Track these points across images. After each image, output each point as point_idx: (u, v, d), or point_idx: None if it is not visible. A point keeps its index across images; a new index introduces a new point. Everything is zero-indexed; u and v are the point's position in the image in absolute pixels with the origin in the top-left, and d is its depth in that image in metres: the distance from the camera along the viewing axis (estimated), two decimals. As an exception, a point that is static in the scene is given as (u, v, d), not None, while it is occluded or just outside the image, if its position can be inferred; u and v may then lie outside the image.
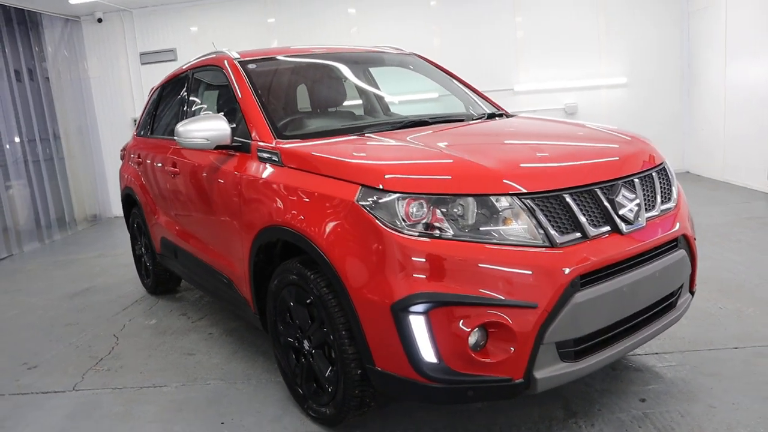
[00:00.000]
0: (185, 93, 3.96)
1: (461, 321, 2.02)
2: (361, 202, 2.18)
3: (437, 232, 2.08)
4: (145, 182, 4.43)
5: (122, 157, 5.15)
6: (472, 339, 2.03)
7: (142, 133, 4.78)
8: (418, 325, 2.04)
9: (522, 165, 2.27)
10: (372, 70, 4.05)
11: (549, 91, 8.56)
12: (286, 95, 3.41)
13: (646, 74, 8.39)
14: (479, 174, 2.18)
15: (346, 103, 3.71)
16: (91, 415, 2.93)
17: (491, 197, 2.11)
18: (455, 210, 2.10)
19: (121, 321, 4.28)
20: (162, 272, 4.55)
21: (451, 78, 3.96)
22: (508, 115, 3.58)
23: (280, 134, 2.88)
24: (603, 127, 2.98)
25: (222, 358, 3.46)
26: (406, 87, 4.30)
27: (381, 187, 2.15)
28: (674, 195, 2.61)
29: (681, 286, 2.61)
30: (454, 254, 2.05)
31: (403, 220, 2.09)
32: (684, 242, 2.55)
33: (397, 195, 2.12)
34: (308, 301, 2.50)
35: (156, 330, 4.03)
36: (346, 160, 2.40)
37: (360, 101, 3.88)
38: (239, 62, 3.33)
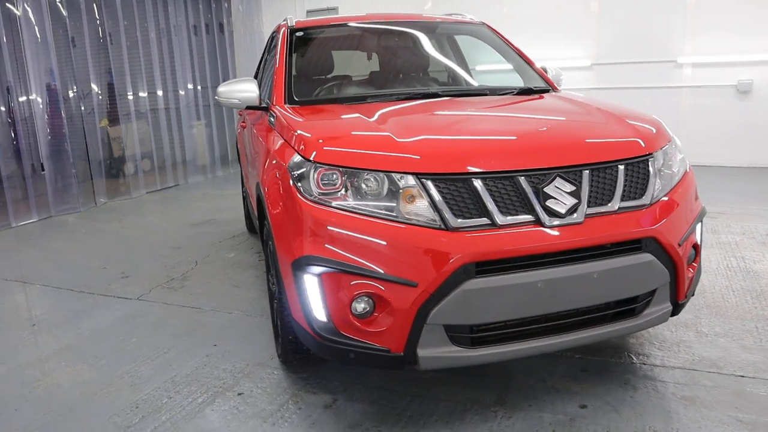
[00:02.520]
0: (267, 57, 4.37)
1: (346, 288, 2.14)
2: (290, 169, 2.36)
3: (339, 202, 2.19)
4: (240, 136, 5.02)
5: None
6: (356, 306, 2.14)
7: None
8: (311, 285, 2.20)
9: (434, 146, 2.25)
10: (438, 38, 4.05)
11: (720, 65, 7.46)
12: (318, 62, 3.61)
13: None
14: (389, 151, 2.22)
15: (379, 71, 3.79)
16: (135, 320, 3.58)
17: (395, 174, 2.15)
18: (362, 184, 2.19)
19: (210, 250, 4.97)
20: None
21: (512, 50, 3.78)
22: (547, 91, 3.37)
23: (290, 99, 3.13)
24: (612, 110, 2.72)
25: (257, 293, 3.91)
26: (472, 56, 4.22)
27: (304, 156, 2.31)
28: (652, 192, 2.33)
29: (652, 293, 2.36)
30: (347, 225, 2.15)
31: (315, 188, 2.23)
32: (655, 246, 2.28)
33: (314, 165, 2.26)
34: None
35: (229, 262, 4.63)
36: (292, 129, 2.57)
37: (393, 71, 3.91)
38: (290, 30, 3.61)
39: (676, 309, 2.48)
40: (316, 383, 2.72)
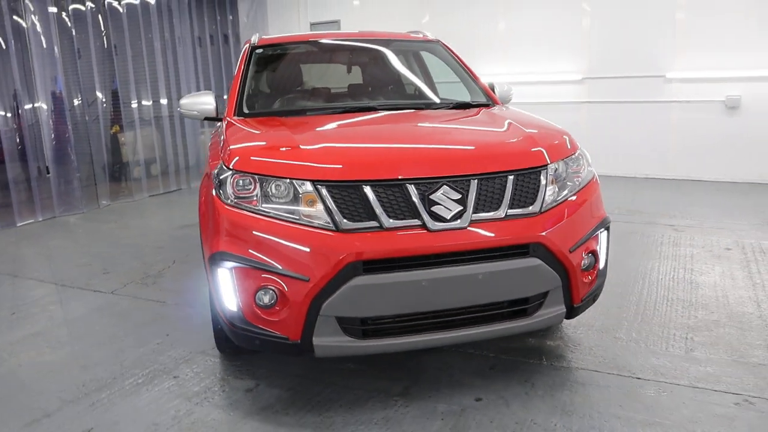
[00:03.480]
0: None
1: (252, 281, 2.39)
2: (214, 176, 2.63)
3: (252, 206, 2.44)
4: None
5: None
6: (259, 297, 2.39)
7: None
8: (224, 278, 2.46)
9: (331, 156, 2.50)
10: (396, 55, 4.28)
11: (708, 80, 7.54)
12: (270, 77, 3.89)
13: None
14: (294, 161, 2.48)
15: (327, 86, 4.04)
16: (104, 311, 3.88)
17: (296, 181, 2.40)
18: (269, 189, 2.44)
19: (190, 250, 5.26)
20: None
21: (462, 67, 4.00)
22: (487, 106, 3.58)
23: (239, 112, 3.40)
24: (524, 124, 2.94)
25: (220, 291, 4.17)
26: (436, 71, 4.44)
27: (225, 164, 2.58)
28: (542, 201, 2.53)
29: (544, 296, 2.55)
30: (254, 226, 2.41)
31: (232, 193, 2.49)
32: (543, 251, 2.47)
33: (231, 172, 2.52)
34: None
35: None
36: (226, 139, 2.84)
37: (343, 86, 4.14)
38: (252, 47, 3.89)
39: (572, 312, 2.67)
40: (245, 370, 2.96)
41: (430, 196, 2.37)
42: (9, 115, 6.48)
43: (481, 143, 2.71)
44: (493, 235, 2.41)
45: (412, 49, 4.21)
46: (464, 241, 2.36)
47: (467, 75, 3.95)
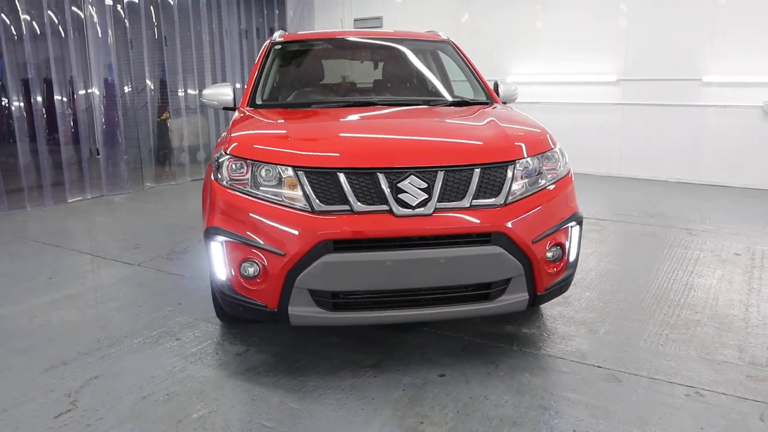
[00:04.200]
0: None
1: (238, 254, 2.68)
2: (215, 159, 2.93)
3: (243, 187, 2.73)
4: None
5: None
6: (244, 268, 2.67)
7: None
8: (216, 250, 2.76)
9: (311, 145, 2.77)
10: (408, 53, 4.49)
11: (746, 85, 7.39)
12: (284, 72, 4.16)
13: None
14: (280, 148, 2.75)
15: (336, 81, 4.29)
16: (129, 281, 4.27)
17: (280, 167, 2.67)
18: (259, 173, 2.72)
19: (217, 231, 5.64)
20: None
21: (468, 66, 4.17)
22: (487, 104, 3.76)
23: (252, 103, 3.70)
24: (505, 122, 3.12)
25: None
26: (452, 69, 4.62)
27: (224, 150, 2.87)
28: (506, 193, 2.70)
29: (507, 282, 2.73)
30: (243, 205, 2.69)
31: (227, 175, 2.78)
32: (505, 240, 2.65)
33: (228, 156, 2.81)
34: None
35: (228, 242, 5.27)
36: (230, 127, 3.14)
37: (352, 81, 4.38)
38: (272, 43, 4.20)
39: (536, 300, 2.84)
40: (239, 337, 3.27)
41: (398, 185, 2.59)
42: (65, 99, 7.04)
43: (452, 138, 2.91)
44: (456, 223, 2.61)
45: (422, 48, 4.40)
46: (427, 227, 2.58)
47: (472, 74, 4.12)
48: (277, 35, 4.31)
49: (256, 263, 2.65)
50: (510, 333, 3.30)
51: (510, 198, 2.72)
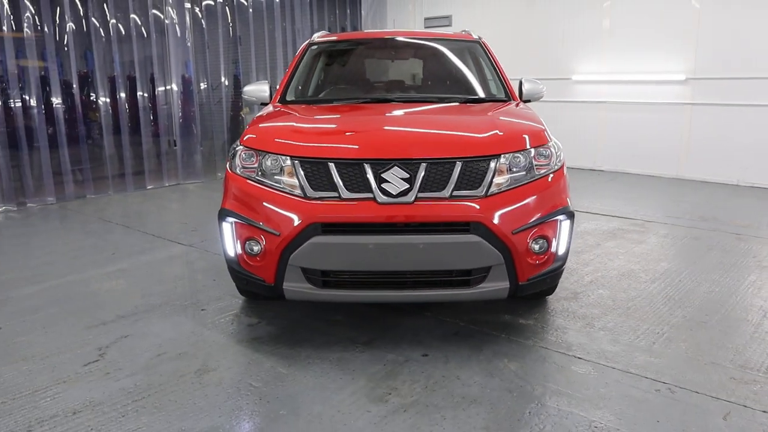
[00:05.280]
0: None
1: (243, 233, 3.01)
2: (233, 148, 3.28)
3: (252, 174, 3.06)
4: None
5: None
6: (249, 246, 3.00)
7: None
8: (227, 229, 3.10)
9: (307, 137, 3.07)
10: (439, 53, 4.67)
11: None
12: (317, 70, 4.45)
13: None
14: (283, 139, 3.04)
15: (366, 79, 4.51)
16: (177, 259, 4.76)
17: (281, 157, 2.97)
18: (265, 162, 3.03)
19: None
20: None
21: (493, 64, 4.30)
22: (504, 101, 3.89)
23: (282, 99, 4.04)
24: (501, 118, 3.26)
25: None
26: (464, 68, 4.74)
27: (239, 141, 3.21)
28: (487, 185, 2.85)
29: (487, 270, 2.89)
30: (249, 190, 3.02)
31: (239, 163, 3.12)
32: (483, 230, 2.81)
33: (241, 147, 3.15)
34: None
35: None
36: (251, 122, 3.48)
37: (377, 79, 4.58)
38: (309, 43, 4.52)
39: (519, 289, 2.96)
40: (256, 310, 3.62)
41: (382, 175, 2.81)
42: (146, 95, 7.77)
43: (438, 133, 3.09)
44: (435, 211, 2.80)
45: (452, 48, 4.55)
46: (407, 214, 2.78)
47: (495, 72, 4.25)
48: (316, 36, 4.63)
49: (257, 242, 2.97)
50: (506, 322, 3.43)
51: (492, 190, 2.86)
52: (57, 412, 2.57)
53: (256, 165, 3.07)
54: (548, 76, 9.12)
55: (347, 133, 3.18)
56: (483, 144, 2.94)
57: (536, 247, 2.96)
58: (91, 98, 7.51)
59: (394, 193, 2.80)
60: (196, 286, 4.10)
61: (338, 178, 2.84)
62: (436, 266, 2.86)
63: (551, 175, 3.06)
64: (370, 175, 2.83)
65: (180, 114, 8.10)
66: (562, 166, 3.16)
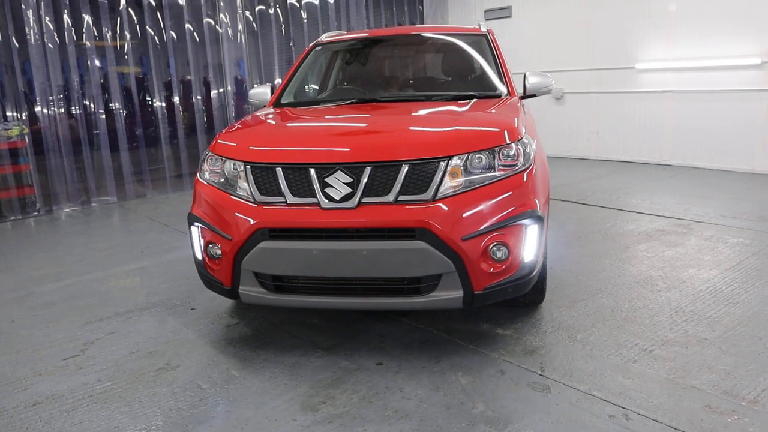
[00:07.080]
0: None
1: (206, 237, 3.09)
2: (204, 153, 3.37)
3: (214, 178, 3.13)
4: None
5: None
6: (209, 250, 3.08)
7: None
8: (195, 234, 3.19)
9: (257, 142, 3.08)
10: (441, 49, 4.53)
11: None
12: (314, 72, 4.45)
13: None
14: (242, 145, 3.08)
15: (361, 79, 4.42)
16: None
17: (236, 162, 3.01)
18: (227, 167, 3.09)
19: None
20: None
21: (496, 58, 4.11)
22: (498, 97, 3.72)
23: (277, 102, 4.09)
24: (466, 117, 3.13)
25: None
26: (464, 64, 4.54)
27: (208, 147, 3.29)
28: (435, 189, 2.73)
29: (438, 279, 2.77)
30: (209, 195, 3.09)
31: (205, 168, 3.20)
32: (430, 236, 2.69)
33: (208, 153, 3.23)
34: None
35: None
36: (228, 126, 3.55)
37: (374, 78, 4.45)
38: (315, 43, 4.54)
39: (475, 299, 2.81)
40: (240, 312, 3.70)
41: (326, 179, 2.77)
42: (199, 98, 8.15)
43: (386, 135, 3.00)
44: (378, 216, 2.71)
45: (456, 43, 4.39)
46: (350, 220, 2.72)
47: (497, 67, 4.05)
48: (324, 36, 4.63)
49: (216, 246, 3.03)
50: (481, 332, 3.27)
51: (442, 193, 2.74)
52: (20, 402, 2.77)
53: (220, 170, 3.13)
54: (610, 65, 8.59)
55: (294, 138, 3.17)
56: (433, 145, 2.82)
57: (495, 253, 2.79)
58: (147, 102, 8.01)
59: (337, 198, 2.75)
60: (197, 286, 4.24)
61: (284, 183, 2.84)
62: (383, 273, 2.78)
63: (517, 176, 2.87)
64: (314, 180, 2.80)
65: (234, 116, 8.43)
66: (531, 167, 2.94)
